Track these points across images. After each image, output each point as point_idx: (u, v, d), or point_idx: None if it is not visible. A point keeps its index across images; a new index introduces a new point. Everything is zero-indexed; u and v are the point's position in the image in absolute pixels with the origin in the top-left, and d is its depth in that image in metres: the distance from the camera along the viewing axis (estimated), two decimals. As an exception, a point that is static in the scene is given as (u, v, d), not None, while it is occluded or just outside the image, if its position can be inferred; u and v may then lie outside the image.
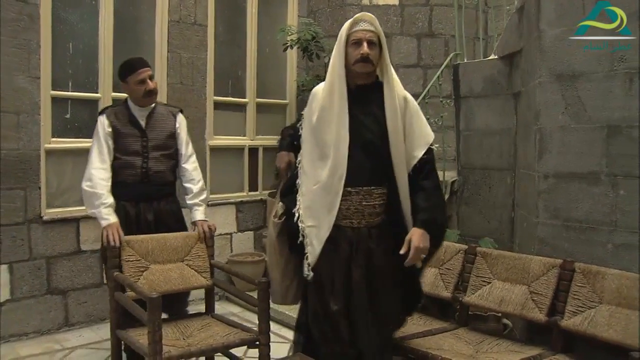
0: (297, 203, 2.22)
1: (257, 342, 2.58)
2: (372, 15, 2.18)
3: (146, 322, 2.31)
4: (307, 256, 2.18)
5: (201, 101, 4.41)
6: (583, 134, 2.51)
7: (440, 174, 3.97)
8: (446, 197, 3.84)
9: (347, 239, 2.17)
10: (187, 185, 3.01)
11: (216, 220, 4.52)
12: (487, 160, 3.47)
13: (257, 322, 2.63)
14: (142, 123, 2.90)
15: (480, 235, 3.46)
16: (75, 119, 3.81)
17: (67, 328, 3.77)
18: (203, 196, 3.02)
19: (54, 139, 3.70)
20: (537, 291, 2.52)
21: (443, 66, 3.95)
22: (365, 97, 2.19)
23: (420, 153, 2.18)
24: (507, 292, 2.62)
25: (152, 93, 2.88)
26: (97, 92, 3.87)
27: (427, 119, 2.49)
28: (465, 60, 3.84)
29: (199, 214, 2.99)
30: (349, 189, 2.14)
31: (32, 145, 3.56)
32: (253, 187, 4.87)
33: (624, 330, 2.20)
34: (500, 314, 2.92)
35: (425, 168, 2.20)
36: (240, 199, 4.73)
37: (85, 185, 2.77)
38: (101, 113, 2.92)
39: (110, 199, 2.76)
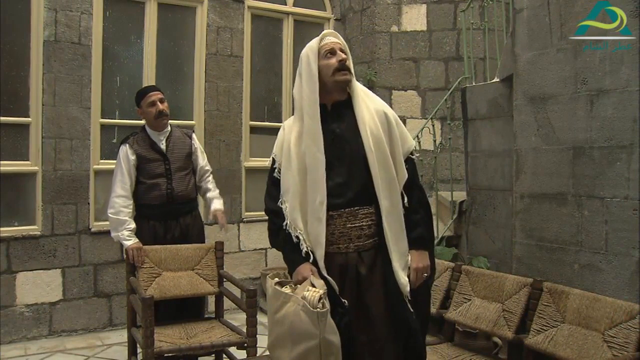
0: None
1: (245, 345, 2.85)
2: (335, 31, 2.15)
3: (141, 319, 2.66)
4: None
5: (237, 126, 4.79)
6: (552, 155, 2.55)
7: (447, 194, 4.07)
8: (454, 216, 3.91)
9: (337, 266, 2.01)
10: (208, 195, 3.36)
11: (251, 237, 4.89)
12: (492, 181, 3.50)
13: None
14: (163, 147, 3.18)
15: (487, 255, 3.49)
16: (121, 143, 4.33)
17: (111, 328, 4.24)
18: (218, 195, 3.37)
19: (102, 161, 4.23)
20: (509, 309, 2.57)
21: (451, 90, 4.04)
22: (343, 113, 2.06)
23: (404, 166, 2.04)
24: (484, 310, 2.68)
25: (163, 114, 3.14)
26: (141, 120, 4.35)
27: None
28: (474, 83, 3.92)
29: (218, 204, 3.32)
30: (331, 212, 1.99)
31: (83, 166, 4.11)
32: (288, 205, 5.13)
33: (580, 349, 2.22)
34: (476, 331, 2.96)
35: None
36: (275, 217, 5.02)
37: (109, 212, 3.13)
38: (123, 142, 3.18)
39: (132, 225, 3.11)
